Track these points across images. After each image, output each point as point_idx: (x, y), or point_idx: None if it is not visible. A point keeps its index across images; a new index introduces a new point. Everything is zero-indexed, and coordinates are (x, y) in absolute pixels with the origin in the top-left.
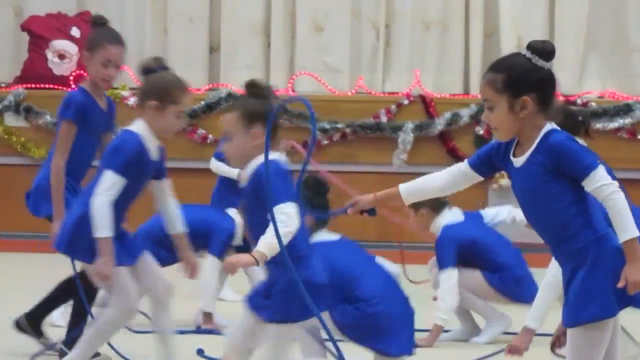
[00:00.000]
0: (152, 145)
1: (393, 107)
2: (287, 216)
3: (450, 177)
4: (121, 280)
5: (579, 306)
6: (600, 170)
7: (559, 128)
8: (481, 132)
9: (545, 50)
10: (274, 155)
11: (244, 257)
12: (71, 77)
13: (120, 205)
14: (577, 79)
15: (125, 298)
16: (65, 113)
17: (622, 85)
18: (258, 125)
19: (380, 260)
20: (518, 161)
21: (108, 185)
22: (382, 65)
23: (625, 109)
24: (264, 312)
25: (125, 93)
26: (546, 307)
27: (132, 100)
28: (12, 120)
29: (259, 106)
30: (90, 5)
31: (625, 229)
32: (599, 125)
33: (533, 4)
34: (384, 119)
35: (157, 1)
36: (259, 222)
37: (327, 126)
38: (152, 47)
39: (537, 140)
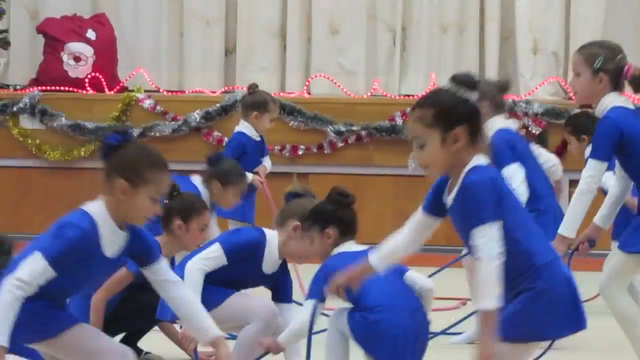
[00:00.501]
0: (272, 260)
1: (409, 109)
2: None
3: (412, 232)
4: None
5: (514, 324)
6: (489, 229)
7: (485, 163)
8: None
9: (469, 81)
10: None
11: None
12: (86, 80)
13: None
14: None
15: None
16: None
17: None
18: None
19: (412, 274)
20: (449, 200)
21: (208, 254)
22: (398, 67)
23: None
24: None
25: (140, 95)
26: (578, 215)
27: (147, 103)
28: (27, 123)
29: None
30: (105, 7)
31: (481, 299)
32: None
33: (549, 6)
34: (399, 121)
35: (173, 3)
36: None
37: (343, 129)
38: (168, 49)
39: (461, 178)
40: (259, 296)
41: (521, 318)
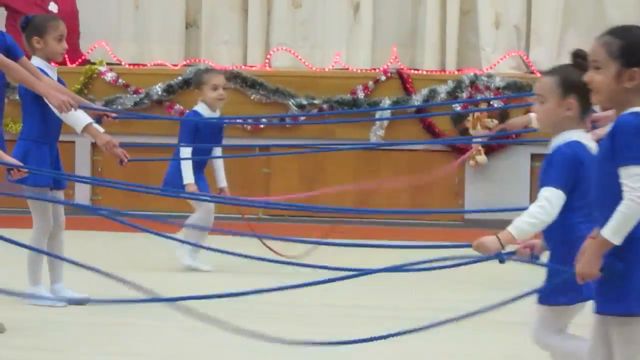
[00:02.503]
0: None
1: (370, 83)
2: (548, 202)
3: None
4: None
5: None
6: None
7: None
8: (458, 108)
9: None
10: (576, 135)
11: (489, 240)
12: None
13: None
14: (554, 55)
15: None
16: None
17: None
18: (573, 96)
19: None
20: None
21: None
22: (360, 41)
23: None
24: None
25: (102, 68)
26: None
27: (109, 76)
28: None
29: (578, 77)
30: None
31: (607, 228)
32: None
33: None
34: (361, 95)
35: None
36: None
37: (305, 102)
38: (128, 22)
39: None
40: None
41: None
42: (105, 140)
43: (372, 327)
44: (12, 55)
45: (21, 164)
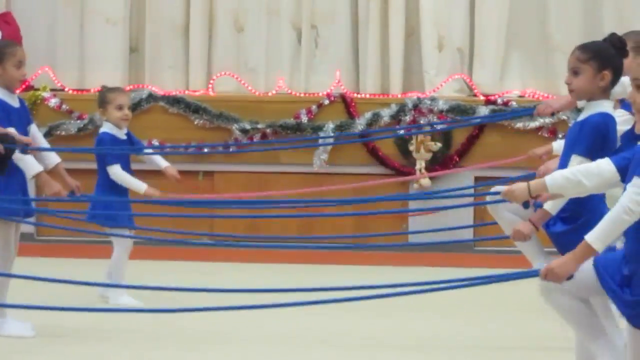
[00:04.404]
0: None
1: (314, 107)
2: (597, 166)
3: None
4: None
5: None
6: None
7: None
8: (401, 132)
9: None
10: None
11: (519, 188)
12: None
13: None
14: (497, 77)
15: None
16: None
17: (542, 84)
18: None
19: None
20: None
21: None
22: (303, 65)
23: None
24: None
25: (46, 94)
26: None
27: (53, 102)
28: None
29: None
30: (12, 6)
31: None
32: (519, 124)
33: (453, 3)
34: (304, 119)
35: (73, 3)
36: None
37: (248, 126)
38: (72, 48)
39: None
40: None
41: None
42: (54, 190)
43: None
44: None
45: None
